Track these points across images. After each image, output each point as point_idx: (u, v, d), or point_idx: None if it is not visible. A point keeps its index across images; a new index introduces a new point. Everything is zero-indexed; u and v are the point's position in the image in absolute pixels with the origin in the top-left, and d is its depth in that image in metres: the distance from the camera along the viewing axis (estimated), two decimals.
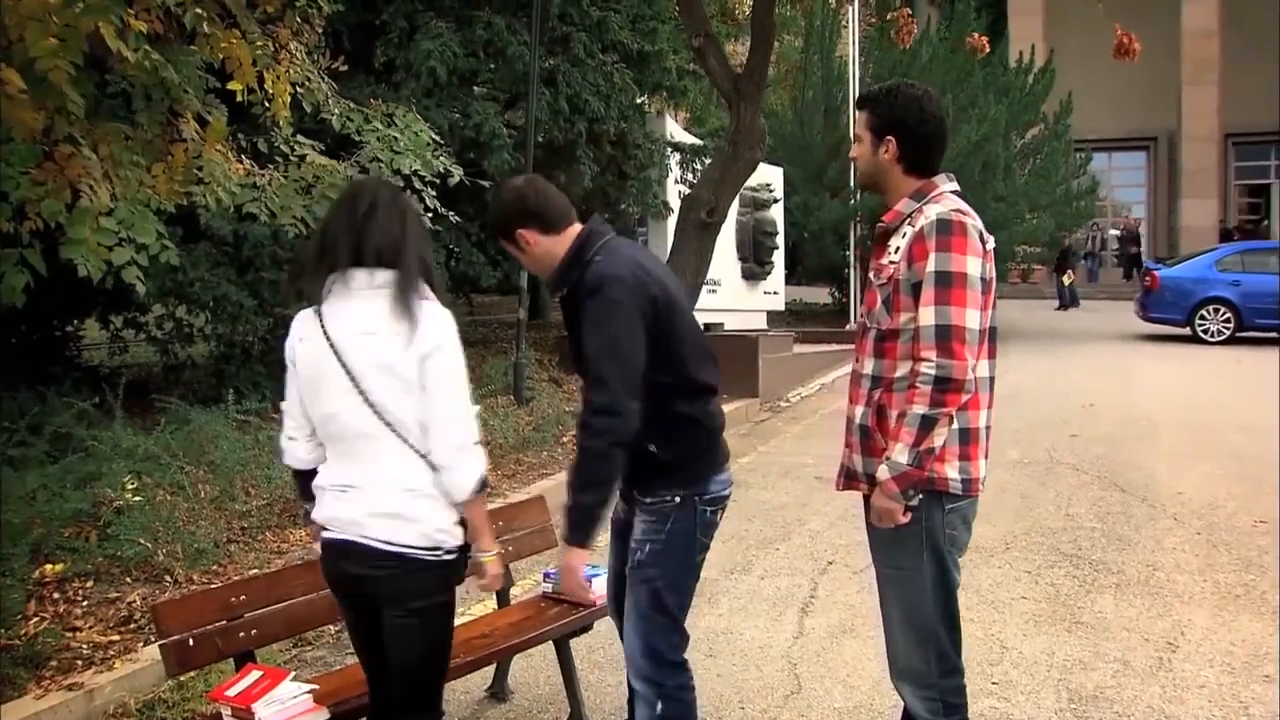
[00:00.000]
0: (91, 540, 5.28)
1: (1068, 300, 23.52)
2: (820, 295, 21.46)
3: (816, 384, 13.07)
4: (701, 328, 3.36)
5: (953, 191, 2.97)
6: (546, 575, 3.21)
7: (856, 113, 3.08)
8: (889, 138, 2.94)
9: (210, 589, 3.71)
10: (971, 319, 2.74)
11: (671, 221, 12.19)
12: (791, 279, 19.33)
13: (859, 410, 2.96)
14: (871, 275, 2.98)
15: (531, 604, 3.98)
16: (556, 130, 9.91)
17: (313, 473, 2.76)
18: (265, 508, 6.03)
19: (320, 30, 4.92)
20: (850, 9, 17.23)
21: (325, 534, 2.70)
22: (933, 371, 2.72)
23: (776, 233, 15.80)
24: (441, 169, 5.41)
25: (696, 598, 3.21)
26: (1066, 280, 23.49)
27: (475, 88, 9.77)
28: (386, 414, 2.57)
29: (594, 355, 2.82)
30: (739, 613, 5.18)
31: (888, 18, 11.59)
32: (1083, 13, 28.16)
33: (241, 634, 3.09)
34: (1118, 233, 30.32)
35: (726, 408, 10.11)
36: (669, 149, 11.68)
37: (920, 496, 2.83)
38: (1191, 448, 8.87)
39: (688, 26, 9.09)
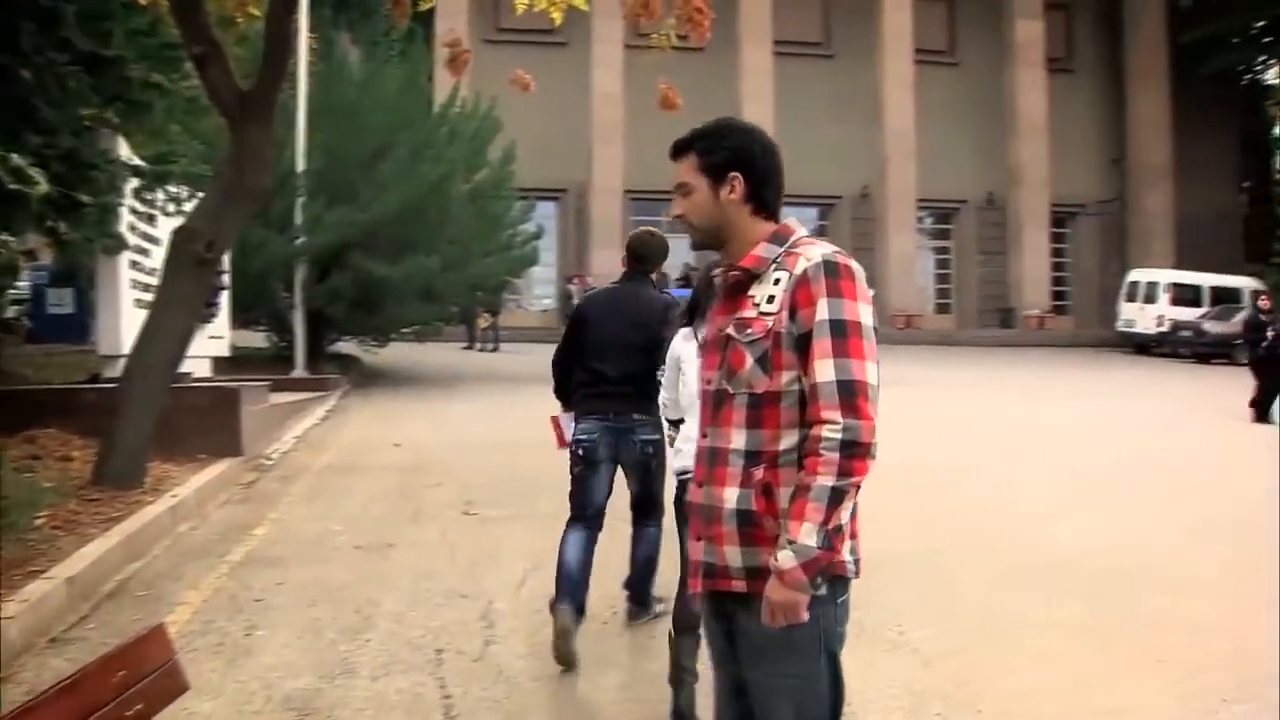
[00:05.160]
0: None
1: (485, 341, 24.61)
2: (254, 339, 20.05)
3: (290, 437, 11.98)
4: None
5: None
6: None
7: (678, 163, 2.56)
8: (734, 175, 2.51)
9: None
10: (872, 373, 2.36)
11: (124, 259, 10.57)
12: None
13: (731, 494, 2.43)
14: (732, 331, 2.47)
15: None
16: None
17: None
18: None
19: None
20: (298, 39, 16.23)
21: None
22: (838, 435, 2.30)
23: (224, 271, 14.40)
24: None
25: None
26: (483, 324, 24.45)
27: None
28: None
29: None
30: None
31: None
32: (503, 67, 29.48)
33: None
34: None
35: (208, 470, 8.91)
36: (128, 173, 10.04)
37: (825, 585, 2.37)
38: None
39: (185, 34, 7.80)
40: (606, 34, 28.64)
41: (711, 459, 2.49)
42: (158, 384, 7.98)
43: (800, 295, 2.38)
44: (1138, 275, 32.12)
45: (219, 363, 15.14)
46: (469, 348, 24.96)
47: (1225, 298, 30.92)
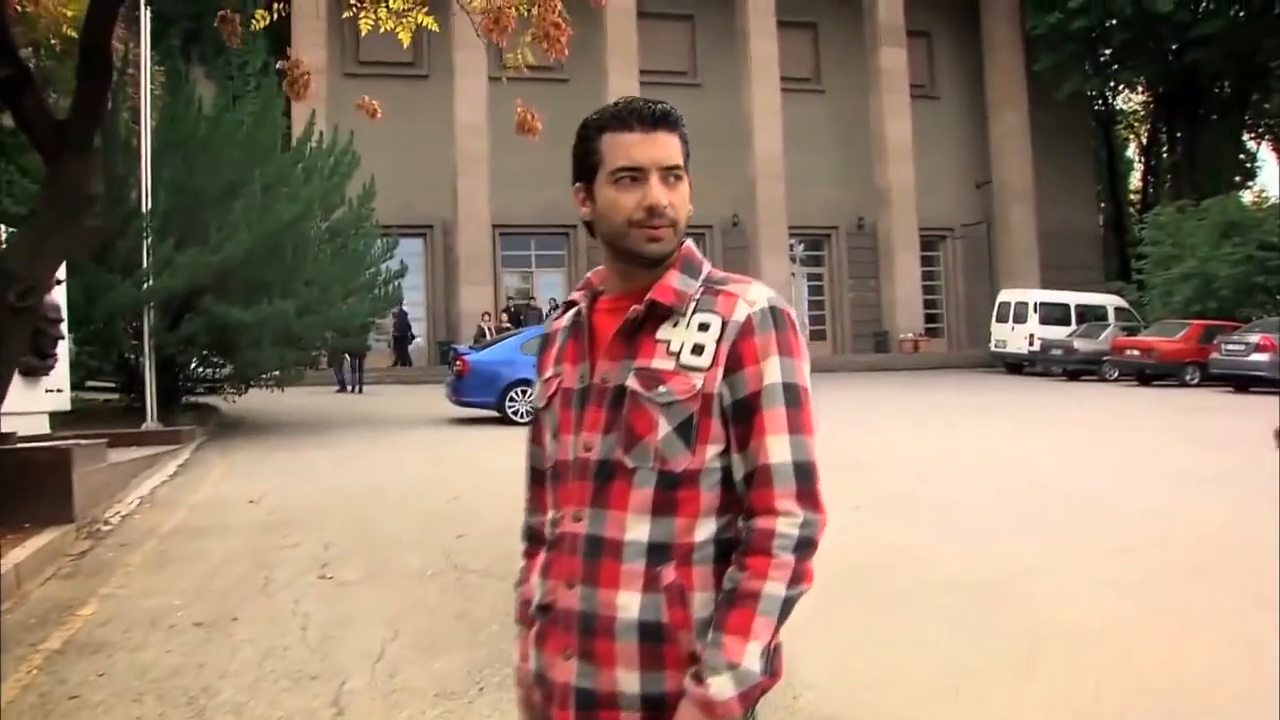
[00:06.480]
0: None
1: (350, 383, 24.10)
2: (99, 392, 18.90)
3: (134, 498, 11.04)
4: None
5: None
6: None
7: (656, 134, 1.89)
8: (690, 180, 1.96)
9: None
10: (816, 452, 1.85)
11: None
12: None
13: (630, 599, 1.82)
14: (636, 385, 1.86)
15: None
16: None
17: None
18: None
19: None
20: (142, 65, 15.33)
21: None
22: (795, 532, 1.78)
23: (61, 319, 13.36)
24: None
25: None
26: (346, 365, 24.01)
27: None
28: None
29: None
30: None
31: None
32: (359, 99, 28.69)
33: None
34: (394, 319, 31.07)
35: (32, 541, 8.03)
36: None
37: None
38: None
39: None
40: (469, 65, 28.07)
41: (591, 551, 1.86)
42: None
43: (744, 349, 1.83)
44: (1007, 295, 32.61)
45: (59, 418, 14.09)
46: (341, 390, 24.18)
47: (1091, 315, 31.61)
